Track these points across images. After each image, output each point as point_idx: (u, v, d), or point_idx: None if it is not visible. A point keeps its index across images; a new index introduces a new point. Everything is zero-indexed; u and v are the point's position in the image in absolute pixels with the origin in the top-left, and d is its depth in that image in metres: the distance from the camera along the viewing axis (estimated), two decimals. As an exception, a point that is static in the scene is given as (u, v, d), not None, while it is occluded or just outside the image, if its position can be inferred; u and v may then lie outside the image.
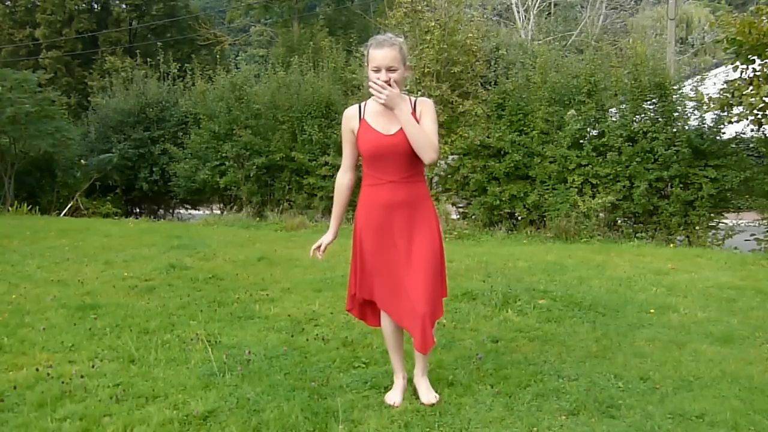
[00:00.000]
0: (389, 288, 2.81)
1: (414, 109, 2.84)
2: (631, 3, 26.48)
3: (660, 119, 8.84)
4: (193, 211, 15.21)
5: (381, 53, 2.78)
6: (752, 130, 8.38)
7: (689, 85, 9.09)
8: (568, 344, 3.68)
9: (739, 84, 7.94)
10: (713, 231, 8.66)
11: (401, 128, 2.77)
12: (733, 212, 8.98)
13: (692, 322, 4.15)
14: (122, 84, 14.80)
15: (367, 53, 2.87)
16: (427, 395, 2.90)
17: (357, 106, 2.94)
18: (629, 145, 8.82)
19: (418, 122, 2.80)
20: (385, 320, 2.93)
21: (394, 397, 2.92)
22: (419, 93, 9.79)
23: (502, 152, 9.59)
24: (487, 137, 9.65)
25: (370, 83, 2.76)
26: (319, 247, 3.04)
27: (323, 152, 11.16)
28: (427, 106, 2.86)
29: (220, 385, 3.08)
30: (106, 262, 6.36)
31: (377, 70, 2.78)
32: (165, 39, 24.42)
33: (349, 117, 2.91)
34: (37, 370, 3.28)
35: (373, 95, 2.77)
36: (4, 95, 12.29)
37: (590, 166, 9.05)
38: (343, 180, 2.98)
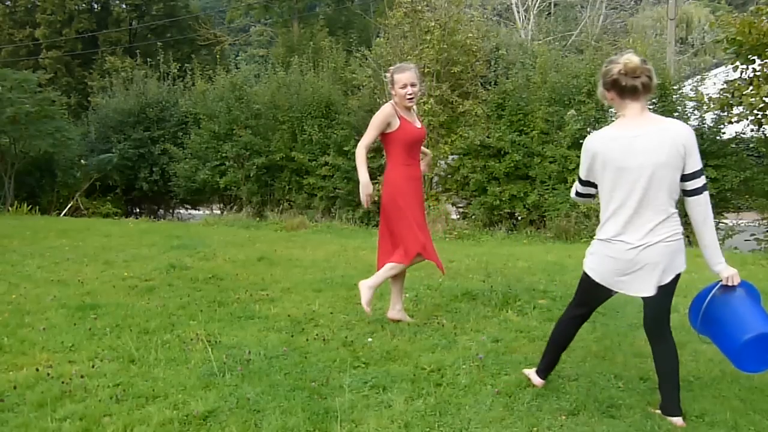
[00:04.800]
0: (424, 235, 3.99)
1: (416, 111, 4.14)
2: (631, 3, 26.45)
3: (660, 119, 8.83)
4: (193, 211, 15.21)
5: (407, 75, 3.91)
6: (752, 130, 8.38)
7: (689, 85, 9.09)
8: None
9: (739, 84, 7.94)
10: (713, 231, 8.65)
11: (421, 124, 4.11)
12: (733, 212, 8.98)
13: (692, 322, 4.14)
14: (122, 84, 14.79)
15: (391, 77, 3.96)
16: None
17: (391, 107, 3.92)
18: (629, 145, 8.81)
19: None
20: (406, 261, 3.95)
21: (366, 298, 3.91)
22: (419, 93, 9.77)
23: (502, 152, 9.59)
24: (487, 137, 9.65)
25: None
26: (368, 195, 3.84)
27: (323, 152, 11.16)
28: None
29: (220, 385, 3.08)
30: (106, 262, 6.36)
31: (405, 86, 3.89)
32: (165, 39, 24.38)
33: (391, 113, 3.91)
34: (37, 370, 3.28)
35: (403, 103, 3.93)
36: (4, 95, 12.30)
37: (590, 166, 9.04)
38: (364, 152, 3.91)
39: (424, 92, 9.65)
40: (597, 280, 2.76)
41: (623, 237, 2.65)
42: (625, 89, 2.63)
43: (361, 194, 3.83)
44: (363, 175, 3.84)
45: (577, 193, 2.95)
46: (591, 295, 2.85)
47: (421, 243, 3.93)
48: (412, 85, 3.89)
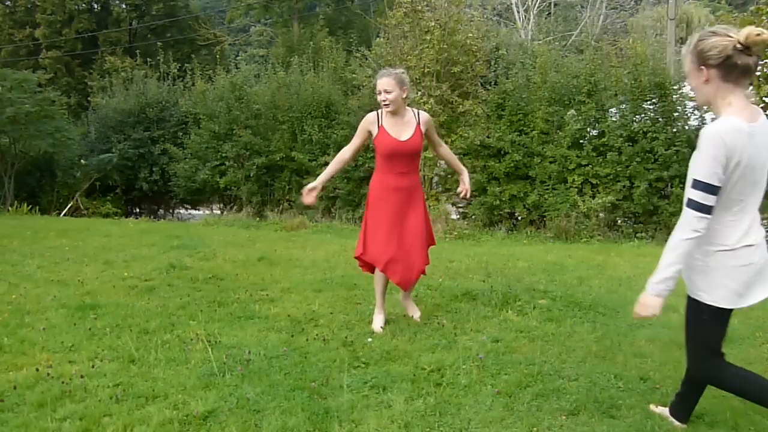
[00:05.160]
0: (392, 248, 3.88)
1: (418, 121, 3.93)
2: (631, 3, 26.46)
3: (660, 119, 8.84)
4: (193, 211, 15.20)
5: (380, 81, 3.86)
6: (752, 130, 8.37)
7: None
8: (568, 344, 3.68)
9: (739, 84, 7.93)
10: (713, 231, 8.64)
11: (410, 137, 3.88)
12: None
13: (692, 322, 4.14)
14: (122, 84, 14.79)
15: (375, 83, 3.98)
16: (414, 311, 4.19)
17: (375, 113, 3.93)
18: (629, 145, 8.82)
19: (422, 132, 3.94)
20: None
21: (378, 323, 4.00)
22: (419, 93, 9.79)
23: (502, 152, 9.59)
24: (487, 137, 9.65)
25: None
26: (311, 191, 3.91)
27: (323, 152, 11.15)
28: (431, 125, 4.02)
29: (220, 385, 3.08)
30: (106, 262, 6.36)
31: (379, 93, 3.85)
32: (165, 39, 24.40)
33: (371, 121, 3.94)
34: (37, 370, 3.28)
35: (383, 108, 3.90)
36: (4, 95, 12.29)
37: (590, 166, 9.05)
38: (345, 155, 4.03)
39: (424, 92, 9.66)
40: (734, 306, 2.31)
41: (747, 240, 2.29)
42: (735, 69, 2.18)
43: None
44: (323, 174, 4.04)
45: (706, 210, 2.22)
46: (725, 326, 2.37)
47: (360, 250, 3.97)
48: (386, 91, 3.81)
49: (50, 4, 24.12)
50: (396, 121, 3.90)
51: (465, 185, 4.10)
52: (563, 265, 6.12)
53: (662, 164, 8.59)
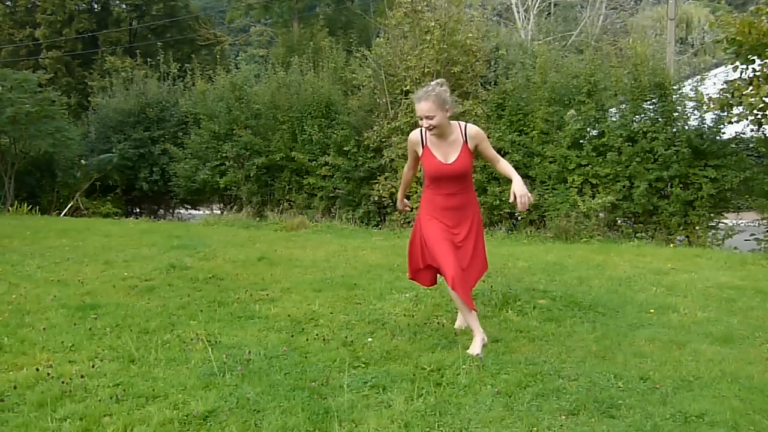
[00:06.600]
0: (443, 257, 3.60)
1: (465, 139, 3.66)
2: (631, 3, 26.50)
3: (660, 119, 8.84)
4: (193, 211, 15.21)
5: (419, 106, 3.55)
6: (752, 130, 8.38)
7: (689, 85, 9.09)
8: (568, 344, 3.68)
9: (739, 84, 7.94)
10: (713, 231, 8.65)
11: (456, 158, 3.62)
12: (733, 212, 8.98)
13: (692, 322, 4.15)
14: (122, 84, 14.79)
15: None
16: (461, 321, 3.93)
17: (419, 132, 3.69)
18: (629, 145, 8.82)
19: (470, 150, 3.68)
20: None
21: (475, 349, 3.50)
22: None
23: (502, 152, 9.58)
24: (487, 137, 9.64)
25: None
26: (404, 205, 4.18)
27: (323, 152, 11.16)
28: (482, 139, 3.73)
29: (220, 385, 3.08)
30: (106, 262, 6.36)
31: (421, 119, 3.56)
32: (165, 39, 24.39)
33: (414, 141, 3.75)
34: (38, 370, 3.28)
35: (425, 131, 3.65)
36: (5, 95, 12.29)
37: (590, 166, 9.05)
38: (408, 174, 4.02)
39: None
40: None
41: None
42: None
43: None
44: (399, 192, 4.23)
45: None
46: None
47: (416, 263, 3.85)
48: (427, 117, 3.51)
49: (50, 4, 24.12)
50: (441, 141, 3.61)
51: (514, 193, 3.52)
52: (563, 265, 6.12)
53: (662, 164, 8.59)
